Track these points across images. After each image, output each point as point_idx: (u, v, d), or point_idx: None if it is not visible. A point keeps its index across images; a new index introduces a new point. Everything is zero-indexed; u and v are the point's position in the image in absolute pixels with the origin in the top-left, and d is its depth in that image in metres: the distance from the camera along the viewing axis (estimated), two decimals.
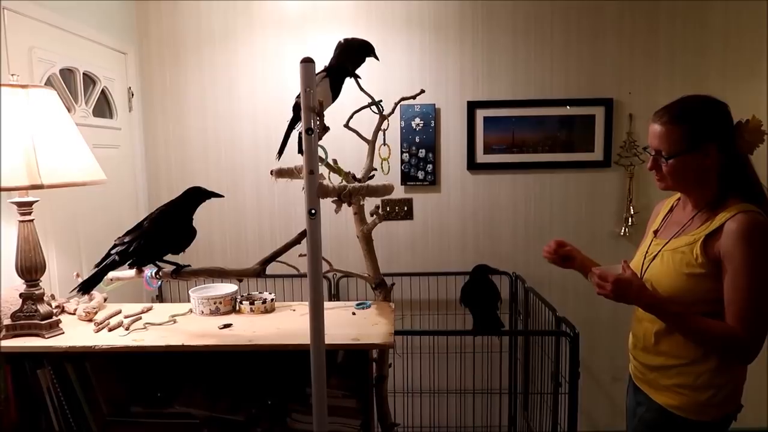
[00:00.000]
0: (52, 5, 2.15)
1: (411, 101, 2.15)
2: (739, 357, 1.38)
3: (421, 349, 2.97)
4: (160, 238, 1.61)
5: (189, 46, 2.93)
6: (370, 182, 1.79)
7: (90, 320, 1.76)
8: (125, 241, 1.57)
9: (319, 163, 1.29)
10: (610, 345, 2.99)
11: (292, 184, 2.84)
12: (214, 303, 1.85)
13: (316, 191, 1.20)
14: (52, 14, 2.16)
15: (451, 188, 3.01)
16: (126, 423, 1.77)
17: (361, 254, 1.94)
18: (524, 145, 2.96)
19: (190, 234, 1.66)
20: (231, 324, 1.73)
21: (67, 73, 2.31)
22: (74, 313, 1.81)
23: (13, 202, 1.63)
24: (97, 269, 1.54)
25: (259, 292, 1.99)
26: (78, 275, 1.80)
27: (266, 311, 1.87)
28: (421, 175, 2.97)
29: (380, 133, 2.01)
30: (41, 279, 1.67)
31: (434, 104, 2.93)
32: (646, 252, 1.55)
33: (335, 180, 1.74)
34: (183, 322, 1.77)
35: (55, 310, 1.70)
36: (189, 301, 1.90)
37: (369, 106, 1.97)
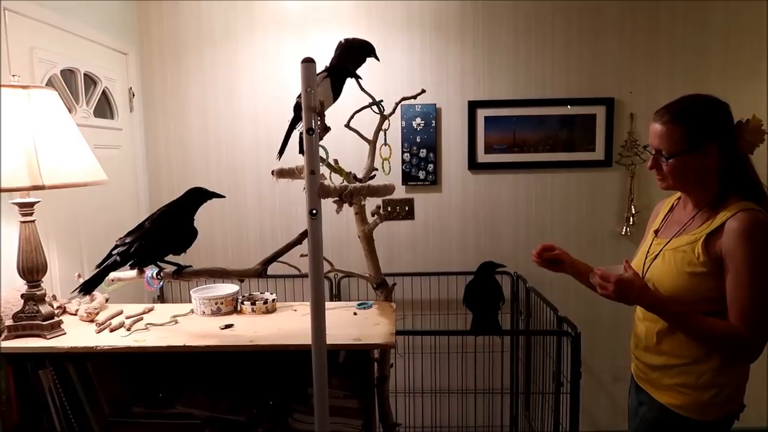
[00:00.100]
0: (52, 6, 2.15)
1: (412, 101, 2.15)
2: (742, 356, 1.37)
3: (422, 349, 2.97)
4: (162, 239, 1.61)
5: (190, 47, 2.93)
6: (371, 182, 1.79)
7: (91, 321, 1.77)
8: (126, 241, 1.58)
9: (320, 163, 1.29)
10: (611, 345, 2.98)
11: (293, 185, 2.84)
12: (216, 303, 1.85)
13: (317, 191, 1.20)
14: (52, 15, 2.16)
15: (452, 188, 3.01)
16: (128, 423, 1.78)
17: (362, 254, 1.94)
18: (525, 144, 2.96)
19: (191, 234, 1.66)
20: (232, 324, 1.73)
21: (68, 74, 2.31)
22: (76, 314, 1.81)
23: (14, 203, 1.63)
24: (98, 270, 1.54)
25: (261, 293, 1.99)
26: (79, 276, 1.80)
27: (267, 311, 1.87)
28: (422, 175, 2.97)
29: (381, 133, 2.01)
30: (43, 280, 1.68)
31: (435, 104, 2.93)
32: (647, 252, 1.55)
33: (336, 180, 1.74)
34: (184, 323, 1.78)
35: (56, 311, 1.70)
36: (190, 301, 1.90)
37: (370, 106, 1.96)
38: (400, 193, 2.99)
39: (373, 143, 1.97)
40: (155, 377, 1.86)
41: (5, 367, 1.63)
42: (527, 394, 3.01)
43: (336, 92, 1.79)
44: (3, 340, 1.60)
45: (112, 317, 1.76)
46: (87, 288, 1.53)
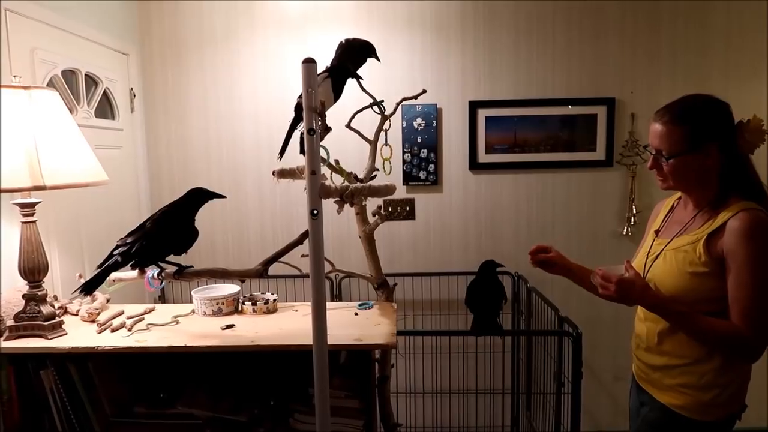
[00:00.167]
0: (53, 6, 2.16)
1: (413, 101, 2.15)
2: (744, 355, 1.37)
3: (423, 350, 2.97)
4: (163, 239, 1.61)
5: (190, 47, 2.93)
6: (372, 182, 1.79)
7: (93, 321, 1.77)
8: (127, 242, 1.58)
9: (321, 164, 1.29)
10: (612, 344, 2.98)
11: (293, 185, 2.82)
12: (217, 304, 1.85)
13: (318, 192, 1.20)
14: (53, 15, 2.16)
15: (453, 188, 3.01)
16: (129, 423, 1.78)
17: (363, 254, 1.94)
18: (526, 144, 2.96)
19: (192, 235, 1.66)
20: (233, 325, 1.73)
21: (69, 74, 2.31)
22: (77, 314, 1.81)
23: (15, 204, 1.63)
24: (99, 270, 1.54)
25: (262, 293, 1.99)
26: (81, 276, 1.80)
27: (269, 312, 1.87)
28: (423, 175, 2.97)
29: (382, 134, 2.01)
30: (44, 280, 1.68)
31: (436, 104, 2.93)
32: (648, 252, 1.55)
33: (337, 180, 1.74)
34: (185, 323, 1.78)
35: (57, 311, 1.70)
36: (191, 301, 1.90)
37: (371, 106, 1.96)
38: (401, 193, 2.99)
39: (374, 143, 1.97)
40: (156, 377, 1.86)
41: (7, 367, 1.63)
42: (528, 394, 3.01)
43: (337, 92, 1.79)
44: (4, 340, 1.60)
45: (114, 317, 1.76)
46: (88, 288, 1.53)
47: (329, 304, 1.63)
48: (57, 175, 1.55)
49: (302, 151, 1.34)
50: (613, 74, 2.92)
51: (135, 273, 1.67)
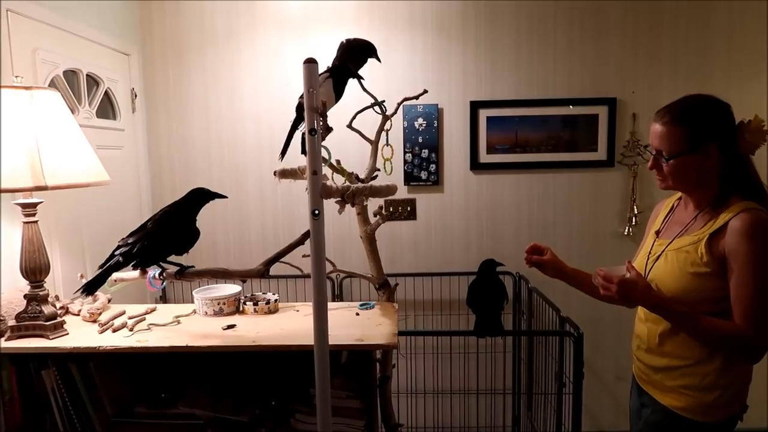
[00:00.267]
0: (55, 7, 2.16)
1: (414, 101, 2.15)
2: (746, 356, 1.37)
3: (424, 350, 2.97)
4: (164, 239, 1.61)
5: (192, 47, 2.93)
6: (374, 183, 1.79)
7: (94, 321, 1.77)
8: (129, 242, 1.58)
9: (323, 164, 1.29)
10: (613, 345, 2.98)
11: (295, 185, 2.82)
12: (218, 304, 1.85)
13: (320, 192, 1.20)
14: (55, 16, 2.16)
15: (454, 188, 3.01)
16: (130, 423, 1.78)
17: (364, 255, 1.94)
18: (527, 144, 2.96)
19: (193, 235, 1.66)
20: (235, 325, 1.73)
21: (71, 75, 2.31)
22: (78, 314, 1.82)
23: (17, 204, 1.63)
24: (101, 270, 1.54)
25: (263, 293, 1.99)
26: (82, 276, 1.80)
27: (270, 312, 1.88)
28: (424, 175, 2.97)
29: (383, 134, 2.02)
30: (45, 280, 1.68)
31: (437, 104, 2.93)
32: (649, 252, 1.54)
33: (338, 180, 1.74)
34: (187, 323, 1.78)
35: (59, 311, 1.70)
36: (193, 301, 1.90)
37: (372, 106, 1.96)
38: (402, 193, 2.99)
39: (375, 144, 1.97)
40: (158, 377, 1.86)
41: (8, 367, 1.63)
42: (529, 394, 3.01)
43: (338, 93, 1.79)
44: (6, 340, 1.60)
45: (115, 317, 1.76)
46: (90, 288, 1.53)
47: (330, 305, 1.63)
48: (59, 175, 1.56)
49: (303, 152, 1.34)
50: (615, 74, 2.92)
51: (136, 273, 1.67)
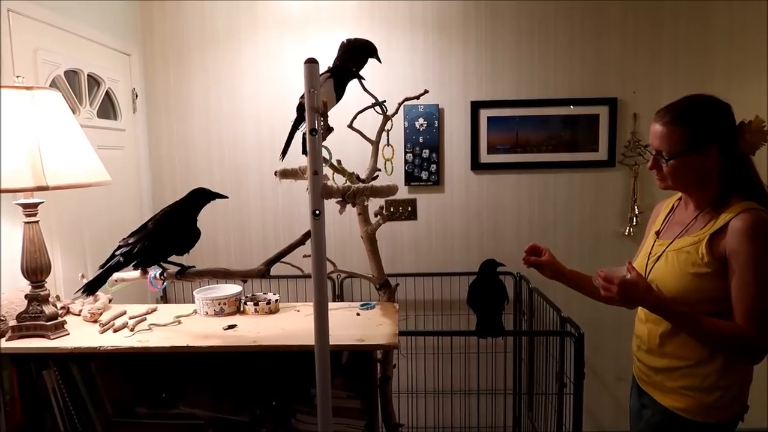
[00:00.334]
0: (56, 7, 2.16)
1: (414, 101, 2.15)
2: (747, 356, 1.37)
3: (425, 350, 2.97)
4: (165, 240, 1.61)
5: (192, 47, 2.94)
6: (374, 183, 1.79)
7: (95, 321, 1.77)
8: (130, 242, 1.58)
9: (323, 164, 1.29)
10: (614, 345, 2.98)
11: (296, 185, 2.84)
12: (219, 304, 1.85)
13: (321, 192, 1.20)
14: (56, 16, 2.16)
15: (455, 188, 3.01)
16: (131, 423, 1.78)
17: (365, 255, 1.94)
18: (528, 144, 2.96)
19: (194, 235, 1.66)
20: (235, 325, 1.73)
21: (72, 75, 2.31)
22: (79, 314, 1.82)
23: (18, 204, 1.63)
24: (101, 270, 1.54)
25: (264, 293, 1.99)
26: (83, 276, 1.80)
27: (270, 312, 1.88)
28: (424, 175, 2.97)
29: (384, 134, 2.01)
30: (46, 280, 1.68)
31: (438, 104, 2.93)
32: (650, 253, 1.54)
33: (339, 181, 1.74)
34: (187, 323, 1.78)
35: (60, 311, 1.70)
36: (193, 302, 1.90)
37: (373, 106, 1.96)
38: (402, 193, 2.99)
39: (375, 144, 1.97)
40: (158, 377, 1.86)
41: (9, 367, 1.63)
42: (530, 394, 3.00)
43: (339, 93, 1.79)
44: (7, 340, 1.60)
45: (116, 318, 1.76)
46: (90, 288, 1.53)
47: (331, 305, 1.63)
48: (60, 175, 1.56)
49: (304, 152, 1.34)
50: (615, 74, 2.92)
51: (137, 273, 1.67)
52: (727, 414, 1.42)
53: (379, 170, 1.96)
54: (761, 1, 2.85)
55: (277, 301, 1.91)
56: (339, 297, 2.96)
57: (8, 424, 1.63)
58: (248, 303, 1.88)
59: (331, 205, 1.40)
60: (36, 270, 1.64)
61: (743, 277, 1.31)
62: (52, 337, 1.60)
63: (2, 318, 1.63)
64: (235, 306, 1.88)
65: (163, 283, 1.65)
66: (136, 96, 2.83)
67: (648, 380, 1.54)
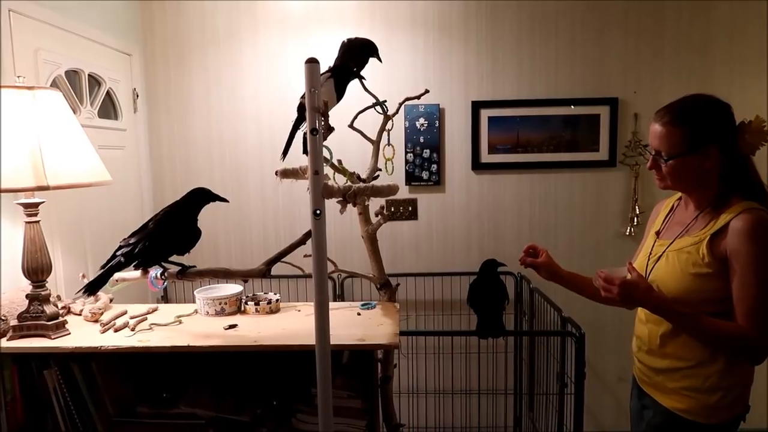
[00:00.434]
0: (57, 7, 2.16)
1: (415, 101, 2.15)
2: (748, 356, 1.36)
3: (426, 350, 2.97)
4: (165, 240, 1.61)
5: (193, 47, 2.94)
6: (375, 182, 1.79)
7: (96, 321, 1.77)
8: (130, 242, 1.58)
9: (324, 164, 1.29)
10: (615, 345, 2.97)
11: (296, 185, 2.84)
12: (220, 304, 1.85)
13: (321, 192, 1.20)
14: (57, 16, 2.16)
15: (456, 188, 3.01)
16: (132, 423, 1.78)
17: (365, 255, 1.94)
18: (529, 144, 2.96)
19: (194, 235, 1.66)
20: (236, 324, 1.73)
21: (73, 75, 2.32)
22: (80, 314, 1.82)
23: (19, 204, 1.63)
24: (102, 270, 1.55)
25: (264, 293, 1.99)
26: (84, 276, 1.80)
27: (271, 312, 1.88)
28: (425, 175, 2.97)
29: (385, 134, 2.01)
30: (47, 280, 1.68)
31: (438, 104, 2.93)
32: (650, 253, 1.54)
33: (340, 180, 1.74)
34: (188, 323, 1.78)
35: (61, 311, 1.70)
36: (194, 301, 1.90)
37: (373, 106, 1.96)
38: (403, 193, 2.99)
39: (376, 143, 1.97)
40: (159, 377, 1.86)
41: (10, 367, 1.64)
42: (531, 394, 3.00)
43: (340, 93, 1.79)
44: (8, 340, 1.60)
45: (117, 317, 1.76)
46: (91, 288, 1.53)
47: (332, 304, 1.63)
48: (60, 175, 1.56)
49: (305, 151, 1.34)
50: (616, 74, 2.92)
51: (138, 273, 1.67)
52: (728, 414, 1.42)
53: (380, 170, 1.96)
54: (762, 1, 2.84)
55: (277, 300, 1.91)
56: (340, 297, 2.96)
57: (9, 423, 1.63)
58: (249, 303, 1.88)
59: (331, 205, 1.40)
60: (37, 270, 1.64)
61: (744, 278, 1.31)
62: (53, 337, 1.60)
63: (3, 318, 1.63)
64: (235, 306, 1.88)
65: (163, 283, 1.65)
66: (137, 96, 2.83)
67: (649, 381, 1.53)
